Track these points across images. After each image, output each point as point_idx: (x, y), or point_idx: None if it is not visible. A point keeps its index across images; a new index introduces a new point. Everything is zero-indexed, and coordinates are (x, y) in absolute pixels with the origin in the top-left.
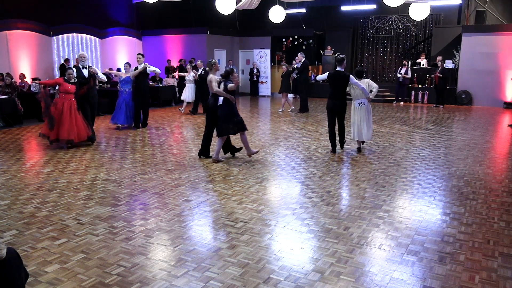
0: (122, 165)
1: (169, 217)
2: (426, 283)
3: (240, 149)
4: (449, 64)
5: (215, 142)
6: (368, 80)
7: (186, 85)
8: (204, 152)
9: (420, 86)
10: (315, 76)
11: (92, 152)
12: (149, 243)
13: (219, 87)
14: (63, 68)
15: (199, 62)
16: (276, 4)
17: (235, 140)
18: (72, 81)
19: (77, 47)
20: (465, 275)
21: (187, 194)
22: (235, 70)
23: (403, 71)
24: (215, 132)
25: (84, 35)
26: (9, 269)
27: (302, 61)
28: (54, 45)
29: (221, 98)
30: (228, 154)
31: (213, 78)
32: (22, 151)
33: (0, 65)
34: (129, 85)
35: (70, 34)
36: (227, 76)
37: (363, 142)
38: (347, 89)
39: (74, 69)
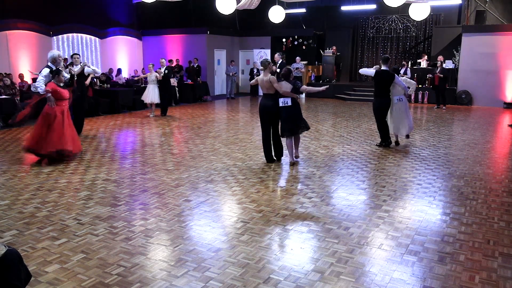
0: (122, 165)
1: (169, 217)
2: (426, 283)
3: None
4: (449, 64)
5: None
6: (405, 77)
7: (148, 85)
8: (271, 157)
9: (420, 86)
10: (315, 76)
11: (92, 152)
12: (149, 243)
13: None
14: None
15: (162, 60)
16: (276, 4)
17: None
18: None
19: (77, 47)
20: (465, 275)
21: (187, 194)
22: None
23: (402, 71)
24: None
25: (84, 35)
26: (5, 268)
27: (279, 62)
28: (54, 45)
29: (288, 99)
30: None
31: (274, 79)
32: (22, 151)
33: (0, 65)
34: None
35: (70, 34)
36: (287, 75)
37: (407, 136)
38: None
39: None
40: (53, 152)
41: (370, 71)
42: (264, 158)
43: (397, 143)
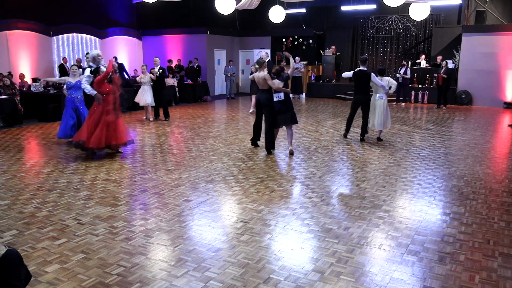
0: (122, 165)
1: (169, 217)
2: (426, 283)
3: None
4: (449, 64)
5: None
6: (389, 78)
7: (142, 87)
8: (256, 143)
9: (420, 86)
10: (315, 76)
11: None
12: (149, 243)
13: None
14: (63, 68)
15: (156, 58)
16: (276, 4)
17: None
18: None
19: (77, 47)
20: (465, 275)
21: (187, 194)
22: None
23: (402, 71)
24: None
25: (84, 35)
26: (5, 268)
27: (266, 61)
28: (54, 45)
29: (281, 94)
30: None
31: (268, 76)
32: (22, 151)
33: (0, 65)
34: (81, 91)
35: (70, 34)
36: (279, 74)
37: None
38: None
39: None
40: (115, 145)
41: (349, 74)
42: (260, 149)
43: (379, 139)
